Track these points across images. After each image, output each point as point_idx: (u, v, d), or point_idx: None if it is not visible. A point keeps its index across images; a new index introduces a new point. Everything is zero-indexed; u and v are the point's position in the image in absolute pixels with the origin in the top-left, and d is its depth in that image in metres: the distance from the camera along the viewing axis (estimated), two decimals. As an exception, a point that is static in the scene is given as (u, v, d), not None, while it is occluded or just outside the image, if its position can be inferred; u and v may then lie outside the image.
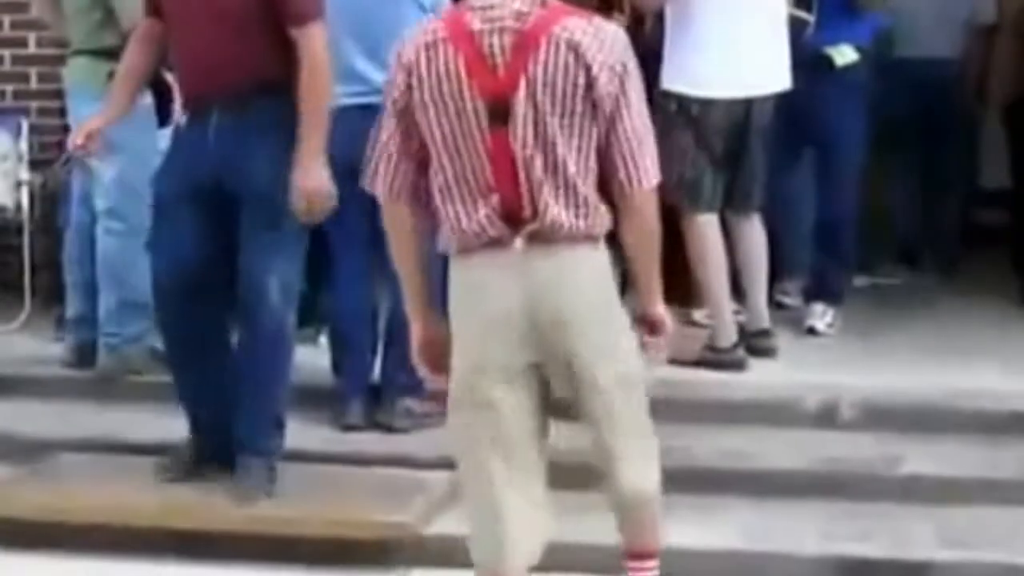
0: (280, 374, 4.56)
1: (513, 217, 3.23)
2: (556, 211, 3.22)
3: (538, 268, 3.24)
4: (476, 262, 3.27)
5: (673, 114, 5.36)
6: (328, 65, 4.42)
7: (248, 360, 4.53)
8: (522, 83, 3.19)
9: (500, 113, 3.19)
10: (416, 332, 3.43)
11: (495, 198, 3.22)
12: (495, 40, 3.20)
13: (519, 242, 3.23)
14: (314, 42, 4.37)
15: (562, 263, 3.26)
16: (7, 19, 6.79)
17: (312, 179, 4.33)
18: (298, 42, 4.36)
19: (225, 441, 4.59)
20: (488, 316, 3.25)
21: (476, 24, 3.21)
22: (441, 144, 3.24)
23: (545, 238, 3.24)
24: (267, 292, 4.45)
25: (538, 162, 3.21)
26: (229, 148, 4.39)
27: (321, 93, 4.37)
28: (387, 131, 3.31)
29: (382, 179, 3.33)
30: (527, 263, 3.24)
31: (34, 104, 6.72)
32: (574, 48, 3.20)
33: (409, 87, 3.24)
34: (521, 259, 3.23)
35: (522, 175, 3.21)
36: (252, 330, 4.51)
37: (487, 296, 3.25)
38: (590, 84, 3.21)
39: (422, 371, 3.49)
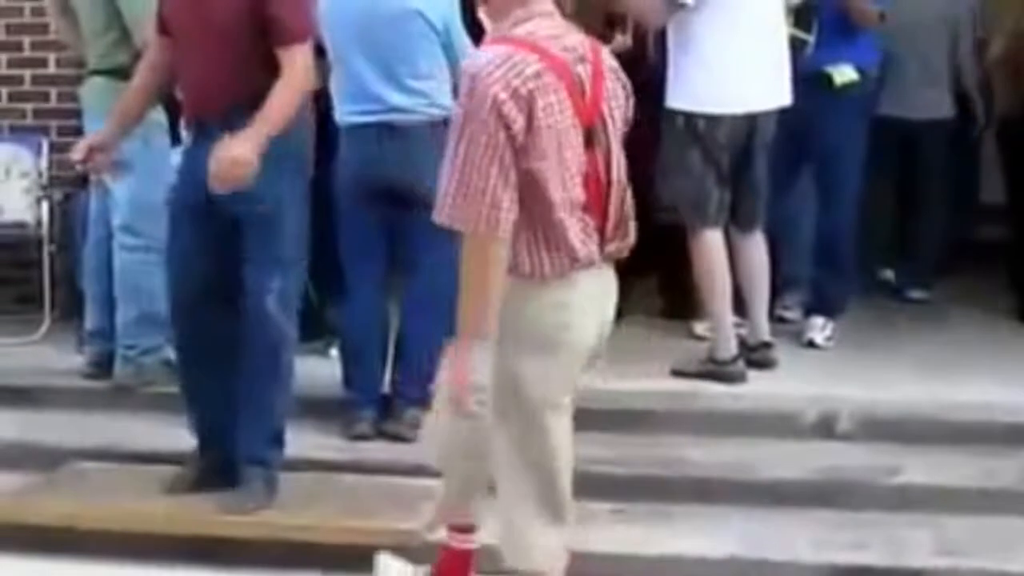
0: (278, 389, 4.56)
1: (602, 238, 3.35)
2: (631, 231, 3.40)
3: (608, 285, 3.42)
4: (575, 283, 3.30)
5: (680, 131, 5.42)
6: (304, 87, 4.44)
7: (247, 373, 4.53)
8: (604, 109, 3.34)
9: (589, 138, 3.31)
10: (470, 360, 3.22)
11: (593, 221, 3.32)
12: (580, 69, 3.31)
13: (601, 260, 3.36)
14: (296, 63, 4.40)
15: (613, 280, 3.46)
16: (27, 40, 6.84)
17: (241, 149, 4.24)
18: (282, 60, 4.38)
19: (230, 454, 4.63)
20: (588, 330, 3.35)
21: (562, 54, 3.29)
22: (556, 172, 3.24)
23: (613, 257, 3.40)
24: (265, 308, 4.47)
25: (622, 182, 3.37)
26: None
27: (287, 105, 4.36)
28: (503, 168, 3.18)
29: (507, 218, 3.19)
30: (603, 282, 3.40)
31: (54, 123, 6.76)
32: (615, 73, 3.41)
33: (530, 120, 3.19)
34: (601, 278, 3.38)
35: (612, 197, 3.34)
36: (251, 344, 4.51)
37: (587, 312, 3.34)
38: (628, 106, 3.43)
39: (467, 394, 3.23)
